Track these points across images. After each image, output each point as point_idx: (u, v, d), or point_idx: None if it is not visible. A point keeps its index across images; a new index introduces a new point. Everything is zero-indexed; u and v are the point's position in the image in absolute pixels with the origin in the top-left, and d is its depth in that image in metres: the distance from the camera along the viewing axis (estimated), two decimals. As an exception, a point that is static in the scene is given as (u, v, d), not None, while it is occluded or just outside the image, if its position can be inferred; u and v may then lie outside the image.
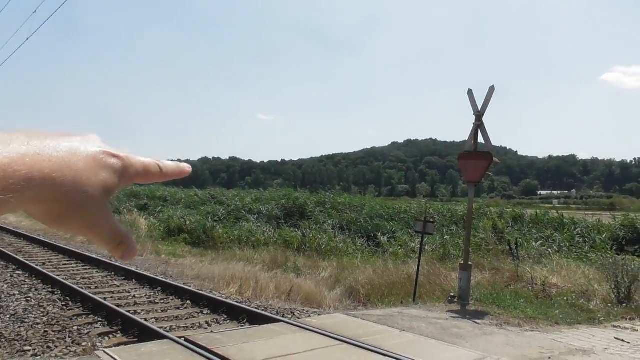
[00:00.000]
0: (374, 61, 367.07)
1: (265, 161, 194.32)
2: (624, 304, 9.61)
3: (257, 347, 5.40)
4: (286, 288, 10.18)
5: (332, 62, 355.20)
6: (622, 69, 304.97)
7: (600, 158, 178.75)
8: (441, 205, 26.47)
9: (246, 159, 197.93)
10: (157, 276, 10.85)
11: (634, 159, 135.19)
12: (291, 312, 8.06)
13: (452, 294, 8.58)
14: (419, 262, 10.05)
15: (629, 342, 6.84)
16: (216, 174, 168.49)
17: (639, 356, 6.04)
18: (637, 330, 7.80)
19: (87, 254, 13.81)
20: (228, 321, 7.57)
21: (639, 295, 10.12)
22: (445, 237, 17.23)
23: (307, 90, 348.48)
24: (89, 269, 12.22)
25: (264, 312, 7.61)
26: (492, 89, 8.35)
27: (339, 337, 5.84)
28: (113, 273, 11.50)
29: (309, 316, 7.51)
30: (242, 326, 6.96)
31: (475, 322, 7.13)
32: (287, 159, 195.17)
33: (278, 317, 7.17)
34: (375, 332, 6.21)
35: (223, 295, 9.23)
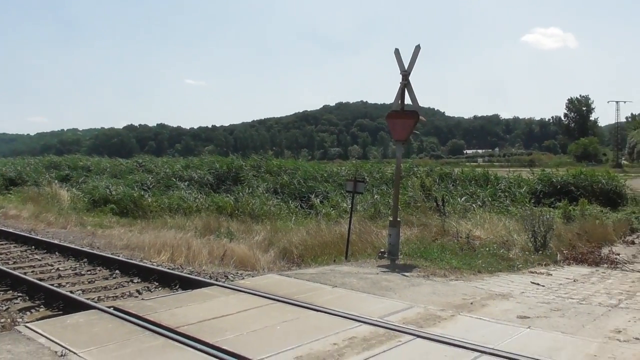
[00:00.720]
0: (304, 24, 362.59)
1: (196, 127, 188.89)
2: (540, 252, 10.32)
3: (190, 311, 5.35)
4: (219, 253, 10.12)
5: (262, 25, 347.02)
6: (542, 30, 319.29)
7: (521, 117, 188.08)
8: (372, 166, 26.98)
9: (175, 125, 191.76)
10: (82, 248, 10.43)
11: (552, 117, 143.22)
12: (225, 276, 8.04)
13: (382, 250, 8.85)
14: (350, 221, 10.26)
15: (543, 286, 7.38)
16: (144, 142, 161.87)
17: (552, 297, 6.54)
18: (551, 275, 8.42)
19: (2, 228, 13.02)
20: (160, 288, 7.44)
21: (553, 242, 10.90)
22: (376, 197, 17.65)
23: (236, 55, 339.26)
24: (5, 244, 11.52)
25: (196, 277, 7.55)
26: (417, 48, 8.48)
27: (272, 297, 5.89)
28: (33, 247, 10.94)
29: (243, 279, 7.52)
30: (174, 292, 6.86)
31: (404, 275, 7.42)
32: (218, 125, 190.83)
33: (211, 281, 7.12)
34: (308, 290, 6.31)
35: (154, 263, 9.04)
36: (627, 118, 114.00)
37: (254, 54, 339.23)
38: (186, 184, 21.06)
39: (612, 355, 4.10)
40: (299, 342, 4.37)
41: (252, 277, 7.63)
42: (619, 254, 10.71)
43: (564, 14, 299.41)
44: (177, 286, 7.32)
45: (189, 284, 7.06)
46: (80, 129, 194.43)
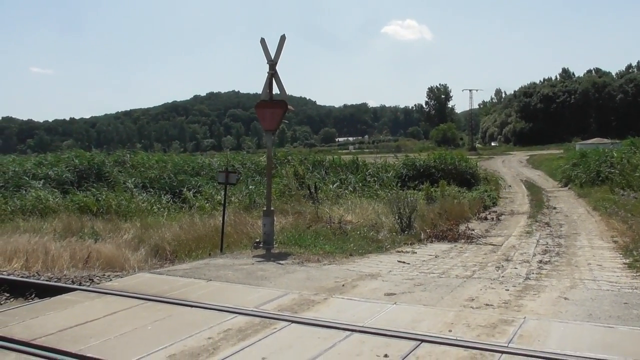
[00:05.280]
0: (171, 10, 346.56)
1: (51, 120, 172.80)
2: (406, 232, 11.06)
3: (48, 320, 4.90)
4: (83, 255, 9.39)
5: (122, 9, 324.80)
6: (399, 22, 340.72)
7: (387, 105, 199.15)
8: (246, 157, 26.87)
9: (25, 118, 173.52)
10: None
11: (415, 105, 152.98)
12: (90, 279, 7.46)
13: (258, 240, 8.86)
14: (224, 212, 10.12)
15: (408, 263, 7.92)
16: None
17: (415, 273, 7.04)
18: (415, 253, 9.06)
19: None
20: (12, 299, 6.71)
21: (417, 223, 11.73)
22: (251, 187, 17.64)
23: (86, 41, 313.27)
24: None
25: (56, 284, 6.91)
26: (283, 38, 8.54)
27: (142, 297, 5.61)
28: None
29: (110, 280, 7.05)
30: (29, 302, 6.23)
31: (279, 263, 7.50)
32: (77, 117, 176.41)
33: (73, 286, 6.57)
34: (181, 286, 6.11)
35: (4, 273, 8.10)
36: (479, 105, 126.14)
37: (108, 40, 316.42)
38: (41, 182, 19.18)
39: (466, 321, 4.52)
40: (172, 340, 4.22)
41: (121, 277, 7.19)
42: (473, 230, 11.85)
43: (417, 7, 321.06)
44: (33, 295, 6.64)
45: (47, 292, 6.44)
46: None
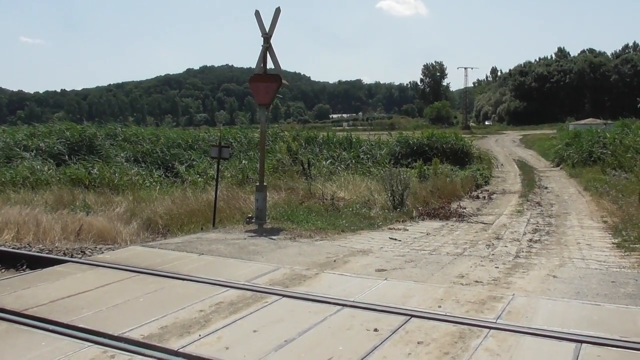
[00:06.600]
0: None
1: (41, 92, 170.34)
2: (398, 209, 11.10)
3: (40, 291, 4.91)
4: (75, 227, 9.37)
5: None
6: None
7: (382, 82, 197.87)
8: (240, 132, 26.72)
9: (15, 89, 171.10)
10: None
11: (410, 82, 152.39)
12: (81, 252, 7.47)
13: (250, 215, 8.87)
14: (217, 187, 10.10)
15: (400, 240, 7.97)
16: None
17: (407, 250, 7.09)
18: (407, 230, 9.11)
19: None
20: (3, 271, 6.71)
21: (409, 200, 11.78)
22: (244, 162, 17.57)
23: (84, 11, 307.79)
24: None
25: (47, 255, 6.92)
26: (278, 11, 8.40)
27: (135, 269, 5.63)
28: None
29: (102, 253, 7.05)
30: (21, 273, 6.23)
31: (271, 239, 7.53)
32: (68, 89, 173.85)
33: (65, 258, 6.59)
34: (173, 259, 6.13)
35: (-5, 244, 8.09)
36: (474, 83, 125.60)
37: (100, 11, 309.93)
38: (33, 154, 19.00)
39: (456, 297, 4.58)
40: (164, 312, 4.25)
41: (113, 250, 7.19)
42: (465, 208, 11.93)
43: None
44: (25, 267, 6.65)
45: (38, 263, 6.44)
46: None
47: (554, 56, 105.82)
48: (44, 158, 18.36)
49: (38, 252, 7.34)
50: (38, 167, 16.72)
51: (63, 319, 4.14)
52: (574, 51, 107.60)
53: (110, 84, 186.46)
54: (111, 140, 21.99)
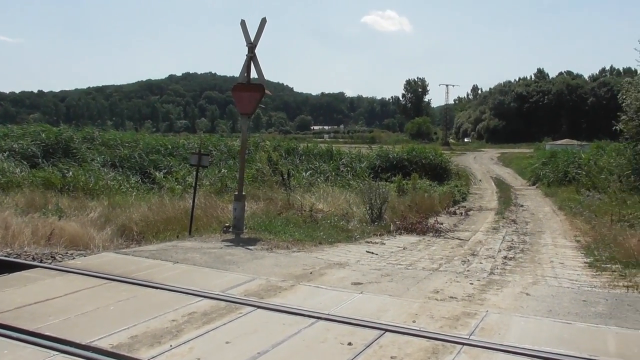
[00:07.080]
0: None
1: (17, 92, 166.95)
2: (376, 223, 11.14)
3: (5, 297, 4.76)
4: (46, 232, 9.13)
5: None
6: (379, 13, 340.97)
7: (364, 96, 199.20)
8: (220, 140, 26.58)
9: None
10: None
11: (392, 96, 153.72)
12: (51, 257, 7.28)
13: (227, 225, 8.79)
14: (195, 195, 9.99)
15: (377, 254, 7.98)
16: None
17: (383, 264, 7.09)
18: (384, 244, 9.13)
19: None
20: (-32, 275, 6.49)
21: (388, 214, 11.83)
22: (223, 171, 17.46)
23: (68, 13, 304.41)
24: None
25: (15, 260, 6.71)
26: (263, 21, 8.42)
27: (106, 276, 5.51)
28: None
29: (73, 259, 6.89)
30: (-14, 278, 6.04)
31: (248, 249, 7.46)
32: (45, 90, 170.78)
33: (34, 263, 6.40)
34: (147, 267, 6.02)
35: (-40, 247, 7.84)
36: (455, 101, 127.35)
37: (82, 12, 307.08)
38: (5, 155, 18.56)
39: (430, 313, 4.58)
40: (135, 321, 4.15)
41: (85, 256, 7.03)
42: (442, 224, 12.01)
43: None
44: (-9, 271, 6.44)
45: (5, 268, 6.24)
46: None
47: (533, 77, 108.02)
48: (17, 160, 17.95)
49: (5, 256, 7.12)
50: (10, 168, 16.33)
51: (29, 326, 4.01)
52: (552, 72, 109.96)
53: (89, 87, 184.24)
54: (88, 143, 21.64)
